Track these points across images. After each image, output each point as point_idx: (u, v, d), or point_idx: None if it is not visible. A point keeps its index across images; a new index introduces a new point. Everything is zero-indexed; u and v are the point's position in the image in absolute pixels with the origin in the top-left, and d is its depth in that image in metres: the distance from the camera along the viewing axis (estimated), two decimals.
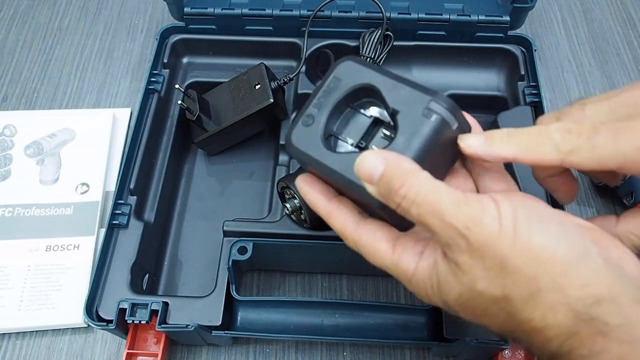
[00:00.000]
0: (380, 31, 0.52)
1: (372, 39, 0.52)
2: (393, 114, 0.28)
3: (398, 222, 0.28)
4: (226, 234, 0.44)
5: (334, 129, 0.31)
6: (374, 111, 0.30)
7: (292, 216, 0.44)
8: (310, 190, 0.30)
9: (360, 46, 0.53)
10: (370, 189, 0.25)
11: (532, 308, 0.23)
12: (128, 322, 0.40)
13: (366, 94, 0.30)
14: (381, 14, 0.52)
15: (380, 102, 0.29)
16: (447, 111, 0.27)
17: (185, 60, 0.57)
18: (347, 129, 0.31)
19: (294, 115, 0.51)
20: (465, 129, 0.28)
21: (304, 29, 0.53)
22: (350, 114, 0.31)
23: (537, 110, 0.51)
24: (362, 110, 0.31)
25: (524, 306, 0.23)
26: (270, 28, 0.55)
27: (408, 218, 0.25)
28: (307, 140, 0.29)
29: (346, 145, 0.31)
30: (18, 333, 0.46)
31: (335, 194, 0.31)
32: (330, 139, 0.31)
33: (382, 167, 0.24)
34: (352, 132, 0.31)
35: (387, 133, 0.30)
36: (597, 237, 0.25)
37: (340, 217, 0.29)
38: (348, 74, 0.30)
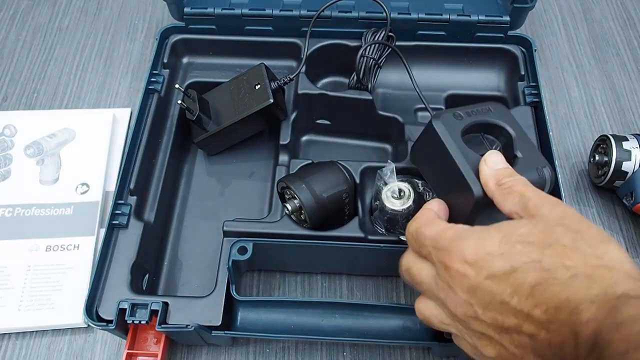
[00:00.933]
0: (383, 32, 0.52)
1: (375, 40, 0.52)
2: (514, 157, 0.36)
3: (477, 213, 0.34)
4: (226, 234, 0.44)
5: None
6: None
7: (292, 216, 0.44)
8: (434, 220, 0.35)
9: (362, 46, 0.53)
10: (486, 171, 0.33)
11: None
12: (128, 322, 0.40)
13: (500, 133, 0.38)
14: (382, 14, 0.52)
15: (505, 146, 0.37)
16: (550, 179, 0.35)
17: (185, 60, 0.57)
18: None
19: (294, 115, 0.51)
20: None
21: (305, 29, 0.53)
22: (475, 139, 0.38)
23: (537, 110, 0.51)
24: (486, 141, 0.38)
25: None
26: (270, 28, 0.55)
27: (509, 190, 0.32)
28: (451, 126, 0.36)
29: None
30: (18, 333, 0.46)
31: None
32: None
33: (504, 164, 0.34)
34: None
35: None
36: None
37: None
38: (498, 112, 0.38)
